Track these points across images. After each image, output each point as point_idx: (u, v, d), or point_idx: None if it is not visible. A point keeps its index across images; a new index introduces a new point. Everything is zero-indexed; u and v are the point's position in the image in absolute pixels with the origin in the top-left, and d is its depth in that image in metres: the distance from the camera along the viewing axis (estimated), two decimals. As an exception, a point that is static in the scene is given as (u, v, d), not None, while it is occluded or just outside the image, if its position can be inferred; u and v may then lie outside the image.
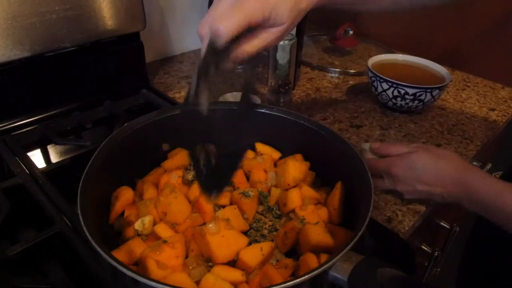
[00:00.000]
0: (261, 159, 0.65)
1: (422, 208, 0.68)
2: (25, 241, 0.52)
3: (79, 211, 0.45)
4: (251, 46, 0.49)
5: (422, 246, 0.95)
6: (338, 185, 0.59)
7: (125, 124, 0.62)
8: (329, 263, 0.41)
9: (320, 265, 0.41)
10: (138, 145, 0.62)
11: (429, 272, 1.01)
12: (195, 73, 0.46)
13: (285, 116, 0.66)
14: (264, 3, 0.47)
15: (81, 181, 0.49)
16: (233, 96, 0.90)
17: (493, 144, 0.95)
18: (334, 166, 0.61)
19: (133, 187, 0.61)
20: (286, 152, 0.68)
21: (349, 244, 0.43)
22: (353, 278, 0.41)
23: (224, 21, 0.45)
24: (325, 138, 0.62)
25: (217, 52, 0.46)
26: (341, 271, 0.42)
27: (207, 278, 0.46)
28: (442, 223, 1.04)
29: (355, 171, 0.55)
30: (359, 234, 0.44)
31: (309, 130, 0.64)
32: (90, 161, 0.53)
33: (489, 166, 0.96)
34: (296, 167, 0.62)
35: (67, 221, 0.56)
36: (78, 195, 0.47)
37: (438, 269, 1.07)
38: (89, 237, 0.42)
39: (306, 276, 0.40)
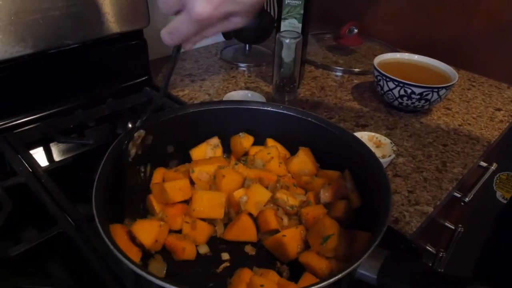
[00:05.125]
0: (274, 149, 0.65)
1: (430, 209, 0.67)
2: (27, 241, 0.51)
3: (97, 221, 0.44)
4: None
5: (427, 247, 0.94)
6: (346, 171, 0.60)
7: (132, 126, 0.61)
8: (358, 262, 0.41)
9: (349, 265, 0.41)
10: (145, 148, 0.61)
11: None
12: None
13: (292, 113, 0.66)
14: None
15: (94, 187, 0.48)
16: (237, 95, 0.89)
17: (498, 145, 0.94)
18: (345, 162, 0.61)
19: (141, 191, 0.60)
20: (292, 149, 0.67)
21: (375, 241, 0.42)
22: (383, 274, 0.41)
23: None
24: (334, 135, 0.62)
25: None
26: (369, 268, 0.41)
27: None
28: (446, 224, 1.03)
29: (367, 167, 0.55)
30: (383, 230, 0.43)
31: (317, 127, 0.63)
32: (101, 166, 0.51)
33: (494, 166, 0.95)
34: (310, 159, 0.63)
35: (70, 221, 0.55)
36: (94, 207, 0.46)
37: (442, 270, 1.07)
38: (113, 248, 0.41)
39: (335, 277, 0.39)
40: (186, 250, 0.53)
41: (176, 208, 0.57)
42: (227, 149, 0.69)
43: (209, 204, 0.56)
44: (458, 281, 0.37)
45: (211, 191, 0.59)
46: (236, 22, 0.44)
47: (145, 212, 0.59)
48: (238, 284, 0.48)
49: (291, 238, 0.53)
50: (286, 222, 0.57)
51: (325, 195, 0.59)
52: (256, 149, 0.66)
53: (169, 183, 0.57)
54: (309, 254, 0.52)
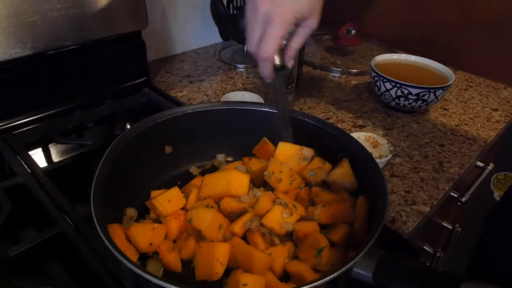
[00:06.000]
0: (287, 169, 0.61)
1: (426, 209, 0.68)
2: (26, 241, 0.52)
3: (95, 221, 0.44)
4: (296, 43, 0.59)
5: (425, 247, 0.95)
6: (361, 198, 0.55)
7: (129, 127, 0.61)
8: (353, 261, 0.41)
9: (345, 264, 0.41)
10: (143, 148, 0.61)
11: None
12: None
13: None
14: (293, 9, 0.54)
15: (93, 188, 0.48)
16: (235, 96, 0.89)
17: (495, 145, 0.95)
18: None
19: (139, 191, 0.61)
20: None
21: (371, 240, 0.42)
22: (378, 273, 0.41)
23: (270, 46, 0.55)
24: (332, 136, 0.62)
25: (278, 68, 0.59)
26: (364, 267, 0.42)
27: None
28: (444, 224, 1.04)
29: (364, 167, 0.56)
30: (379, 229, 0.44)
31: (315, 128, 0.64)
32: (99, 167, 0.52)
33: (491, 166, 0.96)
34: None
35: (69, 221, 0.56)
36: (92, 207, 0.46)
37: (440, 270, 1.07)
38: (111, 248, 0.42)
39: (331, 276, 0.39)
40: (170, 264, 0.52)
41: (177, 220, 0.56)
42: (225, 150, 0.70)
43: (208, 260, 0.51)
44: (453, 278, 0.37)
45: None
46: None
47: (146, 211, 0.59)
48: (234, 284, 0.49)
49: (276, 257, 0.51)
50: (278, 242, 0.54)
51: (318, 215, 0.55)
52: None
53: (156, 199, 0.55)
54: (299, 263, 0.50)
